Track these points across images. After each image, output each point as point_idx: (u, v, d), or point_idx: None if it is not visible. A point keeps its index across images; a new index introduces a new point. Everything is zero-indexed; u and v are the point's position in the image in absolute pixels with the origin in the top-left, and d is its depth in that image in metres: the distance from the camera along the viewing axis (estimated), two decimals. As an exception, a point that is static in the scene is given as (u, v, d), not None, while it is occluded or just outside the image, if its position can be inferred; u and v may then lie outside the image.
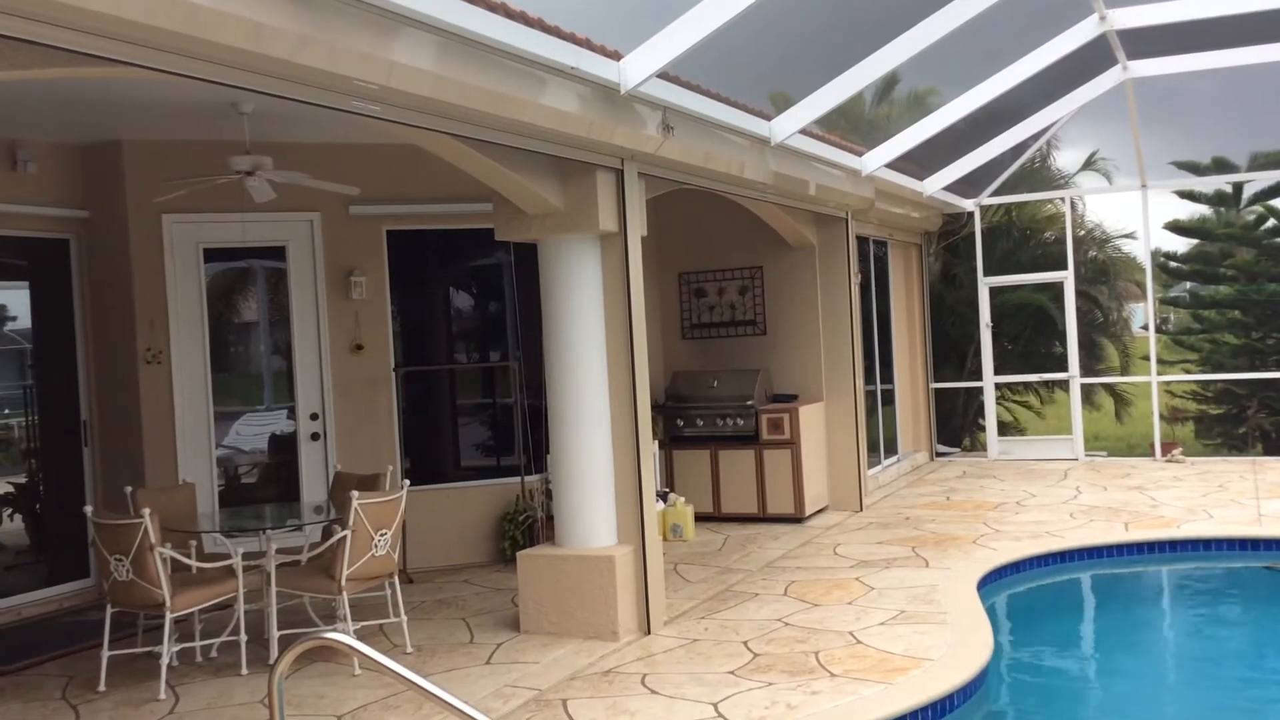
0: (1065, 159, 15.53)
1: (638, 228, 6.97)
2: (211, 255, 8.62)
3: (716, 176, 7.89)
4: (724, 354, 11.07)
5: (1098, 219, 15.74)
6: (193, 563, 6.38)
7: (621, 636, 6.66)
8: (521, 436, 9.27)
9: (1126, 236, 15.14)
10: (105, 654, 6.15)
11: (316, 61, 4.33)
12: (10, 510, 8.37)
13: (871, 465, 11.91)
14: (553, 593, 6.83)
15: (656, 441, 10.11)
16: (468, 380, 10.01)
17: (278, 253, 8.78)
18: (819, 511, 10.63)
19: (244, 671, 6.28)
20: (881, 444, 12.65)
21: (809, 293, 10.82)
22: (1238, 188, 15.37)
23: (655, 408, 10.12)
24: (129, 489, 6.79)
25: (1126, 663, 6.89)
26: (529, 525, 8.88)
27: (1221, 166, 14.47)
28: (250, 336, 9.43)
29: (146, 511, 5.91)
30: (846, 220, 10.76)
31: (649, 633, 6.79)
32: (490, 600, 7.85)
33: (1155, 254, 14.68)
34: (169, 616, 6.03)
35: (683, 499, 9.91)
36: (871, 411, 12.15)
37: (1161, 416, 13.56)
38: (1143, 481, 11.64)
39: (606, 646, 6.53)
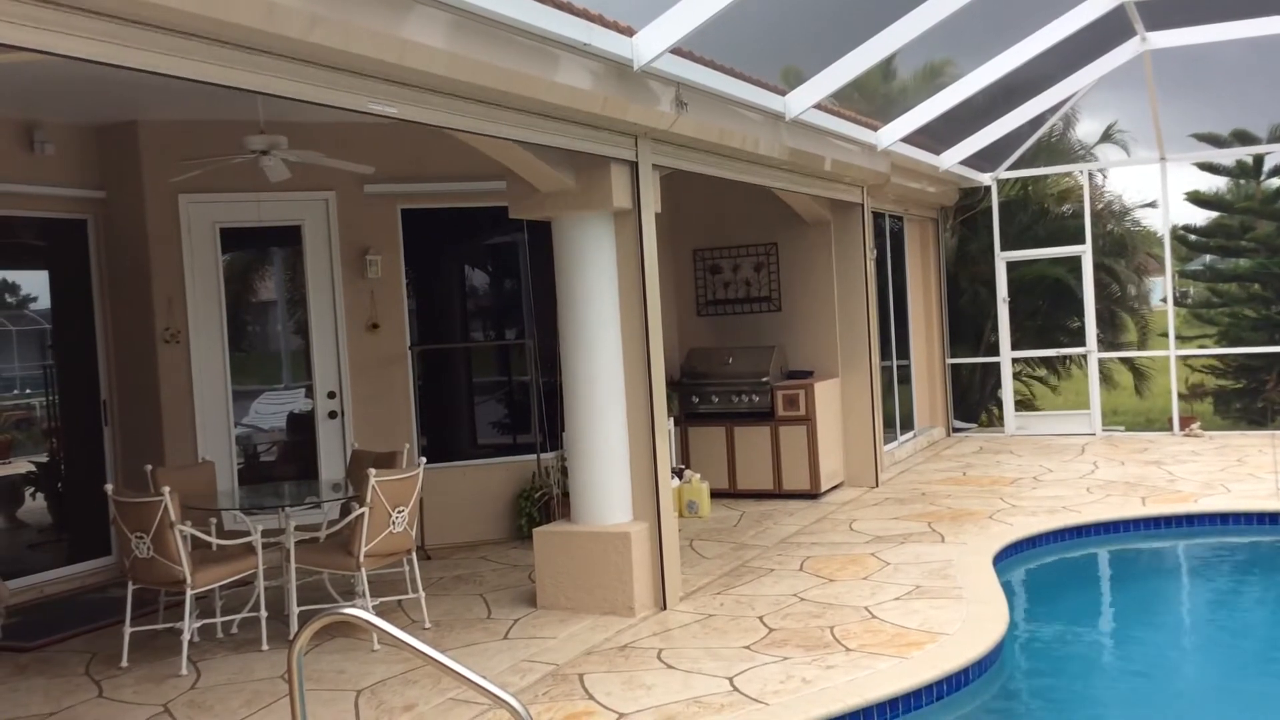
0: (1083, 131, 15.39)
1: (651, 205, 6.96)
2: (228, 236, 8.63)
3: (731, 153, 7.86)
4: (739, 330, 11.06)
5: (1116, 192, 15.61)
6: (213, 540, 6.43)
7: (637, 612, 6.70)
8: (537, 414, 9.30)
9: (1148, 206, 14.95)
10: (127, 630, 6.22)
11: (329, 40, 4.33)
12: (32, 489, 8.46)
13: (887, 441, 11.90)
14: (569, 569, 6.88)
15: (672, 419, 10.13)
16: (483, 358, 10.04)
17: (293, 232, 8.81)
18: (835, 488, 10.64)
19: (264, 647, 6.34)
20: (898, 420, 12.64)
21: (824, 269, 10.79)
22: (1258, 160, 15.22)
23: (670, 385, 10.13)
24: (149, 467, 6.85)
25: (1143, 637, 6.89)
26: (545, 502, 8.92)
27: (1242, 139, 14.33)
28: (267, 316, 9.48)
29: (166, 490, 5.96)
30: (862, 195, 10.71)
31: (665, 608, 6.82)
32: (507, 576, 7.90)
33: (1174, 228, 14.54)
34: (190, 593, 6.09)
35: (698, 476, 9.93)
36: (887, 387, 12.13)
37: (1181, 395, 13.49)
38: (1160, 456, 11.60)
39: (623, 622, 6.57)
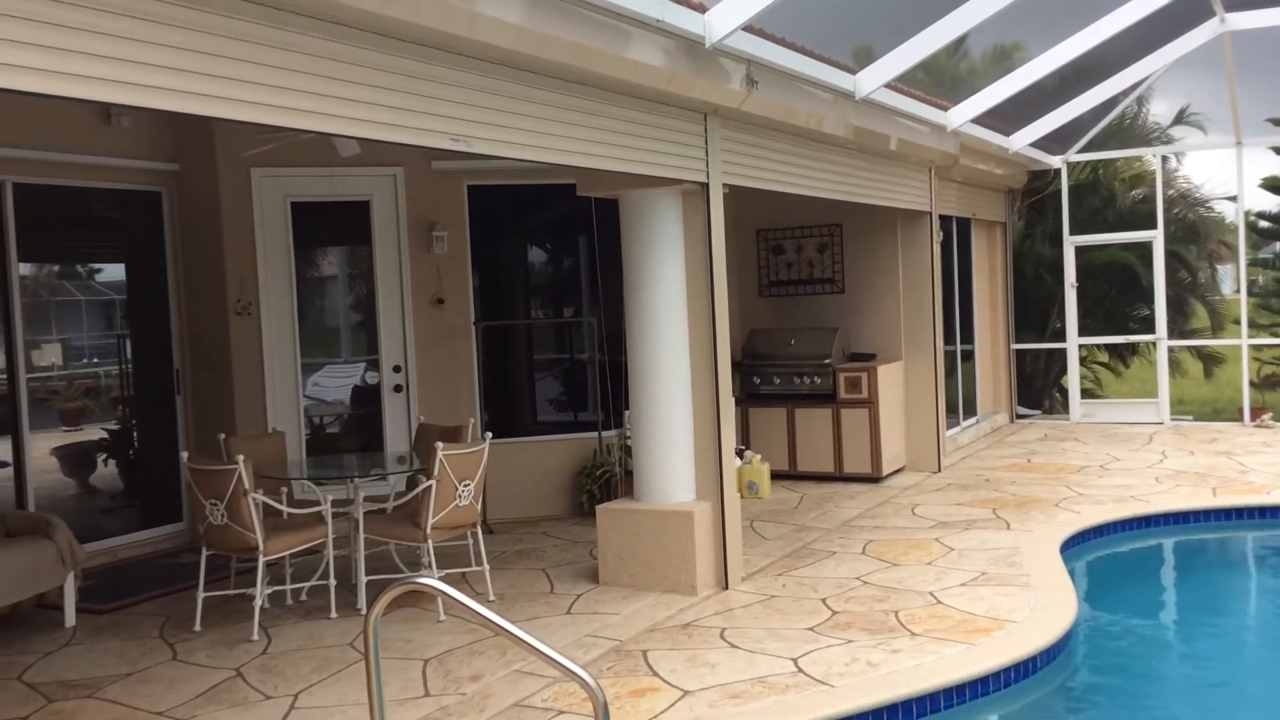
0: (1156, 112, 15.03)
1: (719, 182, 6.92)
2: (298, 210, 8.72)
3: (794, 131, 7.77)
4: (801, 312, 10.99)
5: (1188, 177, 15.23)
6: (284, 509, 6.54)
7: (700, 591, 6.71)
8: (599, 392, 9.32)
9: (1228, 199, 14.52)
10: (200, 595, 6.35)
11: (400, 13, 4.35)
12: (105, 455, 8.64)
13: (950, 426, 11.77)
14: (631, 546, 6.89)
15: (732, 399, 10.09)
16: (546, 335, 10.08)
17: (362, 207, 8.88)
18: (896, 472, 10.56)
19: (333, 615, 6.45)
20: (960, 405, 12.50)
21: (889, 251, 10.68)
22: (1335, 145, 14.79)
23: (732, 365, 10.08)
24: (222, 436, 6.97)
25: (1212, 629, 6.76)
26: (606, 480, 8.95)
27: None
28: (333, 290, 9.58)
29: (241, 458, 6.06)
30: (929, 177, 10.57)
31: (726, 588, 6.83)
32: (568, 552, 7.94)
33: (1247, 214, 14.18)
34: (261, 560, 6.20)
35: (759, 456, 9.91)
36: (951, 372, 12.00)
37: (1253, 384, 13.20)
38: (1231, 447, 11.37)
39: (685, 600, 6.59)
